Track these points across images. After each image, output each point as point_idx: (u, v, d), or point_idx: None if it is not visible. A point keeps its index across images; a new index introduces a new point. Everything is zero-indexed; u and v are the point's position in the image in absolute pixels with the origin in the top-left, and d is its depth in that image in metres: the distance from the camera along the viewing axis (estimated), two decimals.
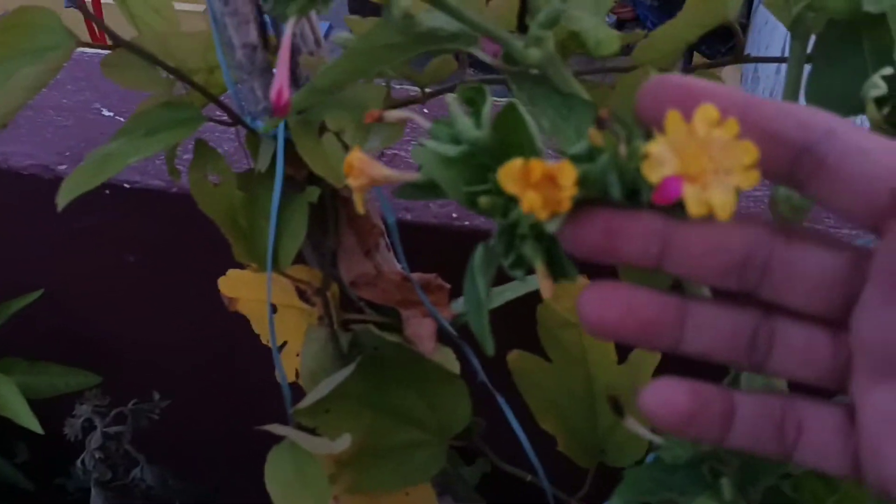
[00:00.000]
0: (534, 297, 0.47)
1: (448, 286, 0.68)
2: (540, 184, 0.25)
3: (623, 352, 0.69)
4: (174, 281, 0.96)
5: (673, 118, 0.24)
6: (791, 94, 0.42)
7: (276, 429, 0.61)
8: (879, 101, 0.36)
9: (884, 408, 0.25)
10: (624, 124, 0.25)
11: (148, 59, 0.54)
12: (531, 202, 0.25)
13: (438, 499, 0.74)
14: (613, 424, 0.71)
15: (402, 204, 0.80)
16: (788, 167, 0.25)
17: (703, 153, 0.24)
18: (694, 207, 0.24)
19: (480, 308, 0.31)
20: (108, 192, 0.88)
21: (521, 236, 0.28)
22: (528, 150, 0.30)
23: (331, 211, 0.65)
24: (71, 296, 1.01)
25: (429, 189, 0.31)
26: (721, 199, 0.24)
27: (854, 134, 0.25)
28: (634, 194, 0.26)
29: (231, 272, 0.70)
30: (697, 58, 2.54)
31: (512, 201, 0.27)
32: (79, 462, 0.93)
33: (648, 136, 0.26)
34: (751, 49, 2.17)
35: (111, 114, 0.96)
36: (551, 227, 0.26)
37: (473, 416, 0.72)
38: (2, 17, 0.54)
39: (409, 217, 0.79)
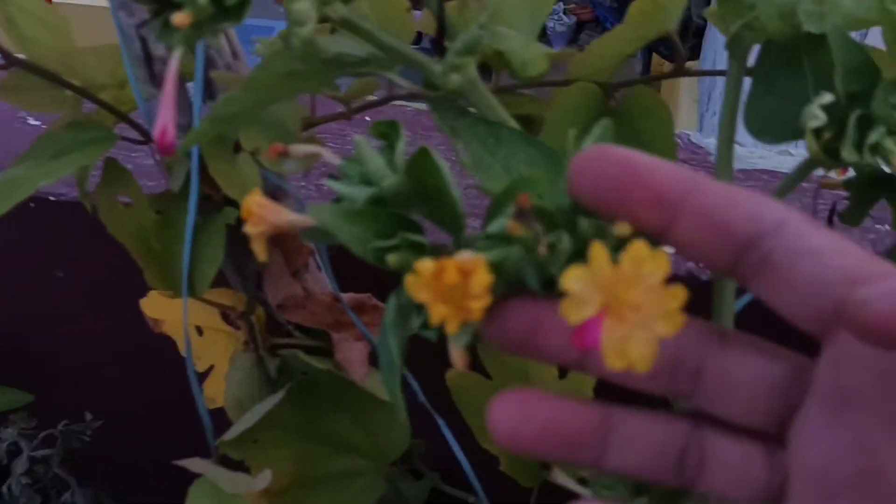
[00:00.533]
0: None
1: (382, 305, 0.65)
2: (453, 287, 0.23)
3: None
4: (105, 296, 0.92)
5: (597, 251, 0.22)
6: (728, 117, 0.39)
7: (193, 465, 0.57)
8: (818, 130, 0.33)
9: None
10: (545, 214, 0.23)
11: (49, 78, 0.50)
12: (441, 315, 0.23)
13: None
14: None
15: None
16: (731, 260, 0.23)
17: (628, 292, 0.22)
18: (612, 360, 0.22)
19: (393, 370, 0.28)
20: (32, 204, 0.84)
21: None
22: (444, 194, 0.28)
23: None
24: None
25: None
26: (640, 352, 0.22)
27: (804, 231, 0.22)
28: (552, 284, 0.23)
29: (153, 293, 0.67)
30: (656, 59, 2.55)
31: None
32: (4, 488, 0.89)
33: (572, 224, 0.24)
34: (710, 44, 2.17)
35: (38, 123, 0.91)
36: (459, 342, 0.24)
37: (414, 438, 0.69)
38: None
39: None
